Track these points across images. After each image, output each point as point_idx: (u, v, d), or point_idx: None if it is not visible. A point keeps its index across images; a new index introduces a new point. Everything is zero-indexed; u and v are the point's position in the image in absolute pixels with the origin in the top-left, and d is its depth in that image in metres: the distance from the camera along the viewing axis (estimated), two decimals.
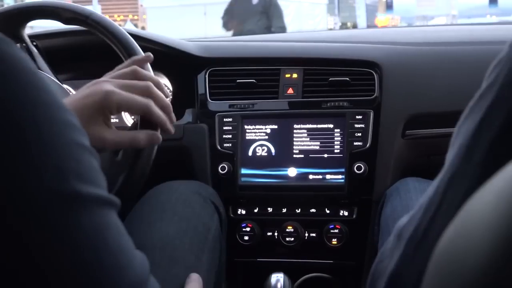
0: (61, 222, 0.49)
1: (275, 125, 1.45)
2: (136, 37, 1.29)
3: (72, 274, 0.50)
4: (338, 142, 1.41)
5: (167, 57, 1.52)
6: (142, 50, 1.17)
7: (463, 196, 0.58)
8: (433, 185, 0.64)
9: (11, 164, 0.48)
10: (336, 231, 1.41)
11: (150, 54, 1.04)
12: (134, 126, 1.13)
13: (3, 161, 0.47)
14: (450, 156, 0.62)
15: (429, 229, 0.63)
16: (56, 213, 0.49)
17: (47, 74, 1.20)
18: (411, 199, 1.21)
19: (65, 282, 0.50)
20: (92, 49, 1.36)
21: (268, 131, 1.45)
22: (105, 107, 0.89)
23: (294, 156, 1.43)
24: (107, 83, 0.91)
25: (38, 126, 0.50)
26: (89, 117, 0.88)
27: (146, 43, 1.45)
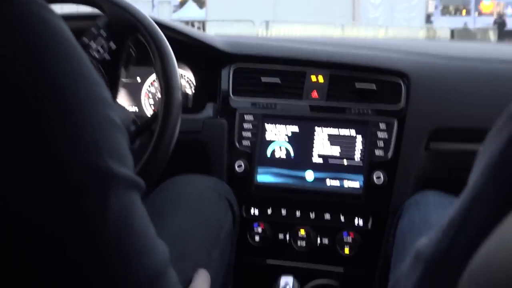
0: (93, 197, 0.49)
1: (296, 127, 1.43)
2: (163, 26, 1.28)
3: (97, 253, 0.49)
4: (359, 150, 1.39)
5: (192, 49, 1.51)
6: (168, 40, 1.16)
7: (487, 216, 0.56)
8: (454, 206, 0.62)
9: (49, 132, 0.47)
10: (349, 239, 1.39)
11: None
12: (154, 116, 1.12)
13: (42, 128, 0.47)
14: (474, 175, 0.60)
15: (450, 249, 0.61)
16: (89, 187, 0.49)
17: None
18: (430, 213, 1.18)
19: (90, 260, 0.49)
20: None
21: (289, 132, 1.43)
22: None
23: (313, 160, 1.41)
24: None
25: (78, 99, 0.50)
26: None
27: (173, 33, 1.44)
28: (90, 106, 0.51)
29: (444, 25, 19.13)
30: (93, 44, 1.15)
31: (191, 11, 24.67)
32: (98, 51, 1.15)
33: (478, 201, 0.58)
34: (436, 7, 21.13)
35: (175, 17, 22.34)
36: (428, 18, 20.37)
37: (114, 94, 1.17)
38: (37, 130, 0.47)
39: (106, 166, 0.50)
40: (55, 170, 0.47)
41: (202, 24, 15.17)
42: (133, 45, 1.19)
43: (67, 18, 1.45)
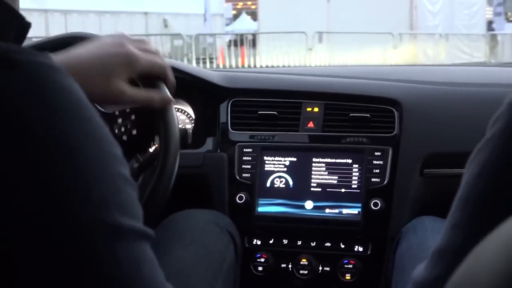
0: (101, 252, 0.51)
1: (294, 157, 1.46)
2: None
3: None
4: (356, 178, 1.42)
5: (190, 86, 1.54)
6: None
7: (460, 246, 0.60)
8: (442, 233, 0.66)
9: (59, 192, 0.49)
10: (350, 266, 1.41)
11: None
12: (156, 152, 1.16)
13: (52, 189, 0.49)
14: (452, 206, 0.63)
15: (431, 277, 0.64)
16: (98, 243, 0.50)
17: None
18: (428, 238, 1.21)
19: None
20: None
21: (287, 163, 1.46)
22: (128, 68, 0.94)
23: (312, 189, 1.44)
24: (130, 46, 0.95)
25: (88, 158, 0.52)
26: (113, 73, 0.92)
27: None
28: (100, 164, 0.53)
29: (506, 31, 17.51)
30: (120, 121, 1.21)
31: (245, 24, 24.22)
32: (120, 130, 1.21)
33: (453, 231, 0.62)
34: (499, 14, 19.47)
35: (229, 30, 22.12)
36: (490, 25, 18.96)
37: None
38: (46, 188, 0.49)
39: (114, 221, 0.52)
40: (64, 226, 0.49)
41: (253, 37, 15.02)
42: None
43: None
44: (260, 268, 1.45)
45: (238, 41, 14.36)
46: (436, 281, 0.64)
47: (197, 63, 13.31)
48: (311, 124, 1.50)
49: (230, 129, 1.53)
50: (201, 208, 1.36)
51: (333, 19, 14.27)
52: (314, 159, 1.45)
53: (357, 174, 1.42)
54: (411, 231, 1.28)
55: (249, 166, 1.48)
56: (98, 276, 0.50)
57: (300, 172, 1.46)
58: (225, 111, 1.56)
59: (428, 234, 1.23)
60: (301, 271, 1.44)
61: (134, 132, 1.21)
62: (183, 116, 1.61)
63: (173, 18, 17.67)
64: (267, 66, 12.95)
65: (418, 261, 1.12)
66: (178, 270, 1.05)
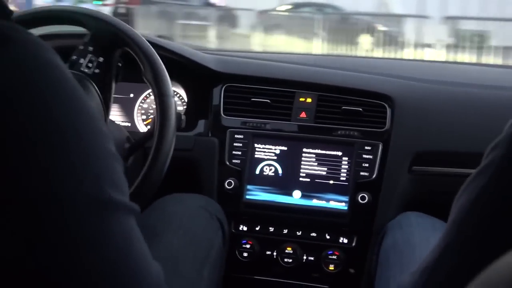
0: (95, 226, 0.52)
1: (284, 146, 1.47)
2: (154, 45, 1.31)
3: (99, 275, 0.52)
4: (345, 171, 1.43)
5: (184, 68, 1.54)
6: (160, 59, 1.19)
7: (455, 268, 0.60)
8: (432, 250, 0.66)
9: (53, 169, 0.50)
10: (334, 257, 1.43)
11: None
12: (148, 134, 1.15)
13: (45, 165, 0.49)
14: (447, 227, 0.64)
15: None
16: (92, 218, 0.51)
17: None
18: (413, 234, 1.22)
19: (92, 281, 0.52)
20: None
21: (277, 151, 1.47)
22: None
23: (300, 179, 1.45)
24: None
25: (80, 134, 0.52)
26: None
27: (164, 52, 1.47)
28: (92, 140, 0.54)
29: None
30: (82, 61, 1.17)
31: None
32: (87, 67, 1.16)
33: (446, 252, 0.62)
34: None
35: None
36: None
37: (107, 108, 1.18)
38: (40, 165, 0.49)
39: (107, 196, 0.53)
40: (60, 202, 0.50)
41: None
42: (119, 57, 1.21)
43: (57, 36, 1.47)
44: (245, 254, 1.46)
45: None
46: None
47: None
48: (303, 114, 1.50)
49: (222, 114, 1.53)
50: (189, 192, 1.36)
51: None
52: (304, 149, 1.46)
53: (346, 167, 1.43)
54: (397, 226, 1.30)
55: (239, 152, 1.48)
56: (94, 250, 0.51)
57: (290, 161, 1.46)
58: (218, 96, 1.55)
59: (414, 230, 1.24)
60: (285, 259, 1.45)
61: (101, 59, 1.18)
62: (175, 98, 1.61)
63: None
64: None
65: (403, 256, 1.15)
66: (166, 255, 1.06)
